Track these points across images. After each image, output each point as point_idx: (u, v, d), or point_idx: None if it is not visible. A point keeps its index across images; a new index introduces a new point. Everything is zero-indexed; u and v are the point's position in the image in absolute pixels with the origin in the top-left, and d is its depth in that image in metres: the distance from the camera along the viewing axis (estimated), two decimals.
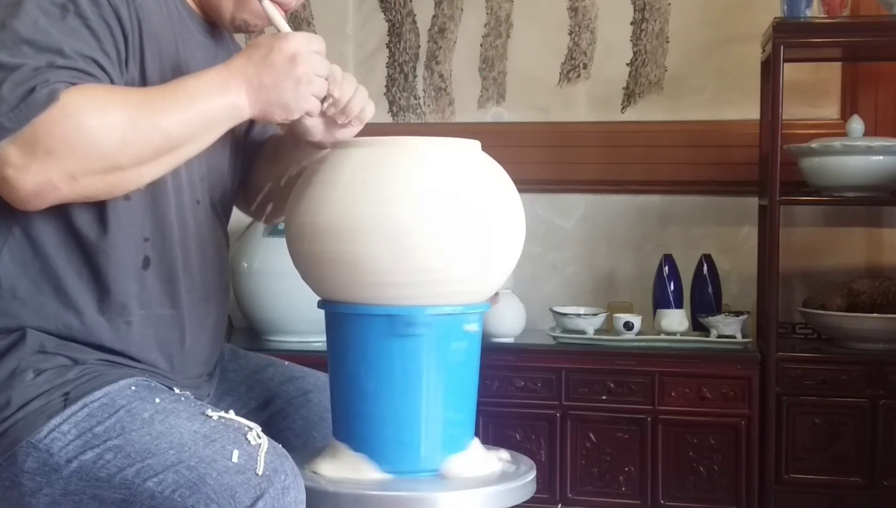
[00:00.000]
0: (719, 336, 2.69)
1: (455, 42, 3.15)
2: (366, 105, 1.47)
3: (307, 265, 1.41)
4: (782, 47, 2.52)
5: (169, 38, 1.41)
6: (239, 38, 1.70)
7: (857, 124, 2.66)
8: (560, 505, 2.64)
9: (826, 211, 2.94)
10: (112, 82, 1.29)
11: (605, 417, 2.63)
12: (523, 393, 2.67)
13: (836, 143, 2.61)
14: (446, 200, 1.33)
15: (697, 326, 2.77)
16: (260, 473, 1.22)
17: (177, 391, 1.37)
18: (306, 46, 1.35)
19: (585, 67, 3.07)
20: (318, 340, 2.71)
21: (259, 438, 1.26)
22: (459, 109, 3.16)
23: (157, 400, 1.29)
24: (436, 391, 1.38)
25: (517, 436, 2.67)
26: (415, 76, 3.18)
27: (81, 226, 1.34)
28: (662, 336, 2.72)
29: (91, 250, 1.34)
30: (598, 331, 2.76)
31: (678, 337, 2.71)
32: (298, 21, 3.19)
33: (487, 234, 1.36)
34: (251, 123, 1.65)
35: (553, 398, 2.66)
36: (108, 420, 1.26)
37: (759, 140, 2.82)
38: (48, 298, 1.34)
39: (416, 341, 1.37)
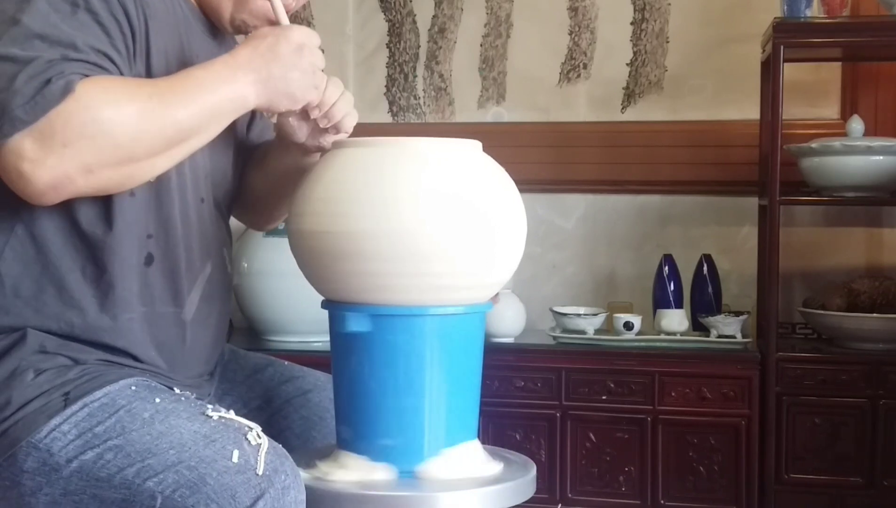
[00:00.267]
0: (719, 336, 2.69)
1: (455, 42, 3.15)
2: (349, 112, 1.47)
3: (310, 265, 1.41)
4: (782, 47, 2.52)
5: (174, 35, 1.41)
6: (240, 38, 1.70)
7: (857, 124, 2.66)
8: (560, 505, 2.64)
9: (826, 211, 2.94)
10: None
11: (605, 417, 2.63)
12: (523, 393, 2.67)
13: (836, 143, 2.61)
14: (448, 200, 1.33)
15: (697, 326, 2.77)
16: (260, 473, 1.22)
17: (177, 390, 1.37)
18: (310, 39, 1.37)
19: (585, 66, 3.07)
20: (318, 340, 2.71)
21: (259, 438, 1.26)
22: (459, 109, 3.16)
23: (158, 400, 1.29)
24: (438, 391, 1.38)
25: (517, 436, 2.67)
26: (415, 76, 3.18)
27: (85, 223, 1.34)
28: (662, 336, 2.72)
29: (95, 247, 1.34)
30: (598, 331, 2.76)
31: (678, 337, 2.71)
32: (298, 21, 3.18)
33: (489, 234, 1.36)
34: (251, 124, 1.65)
35: (553, 398, 2.66)
36: (109, 420, 1.26)
37: (759, 140, 2.83)
38: (50, 296, 1.34)
39: (418, 340, 1.37)
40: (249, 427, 1.28)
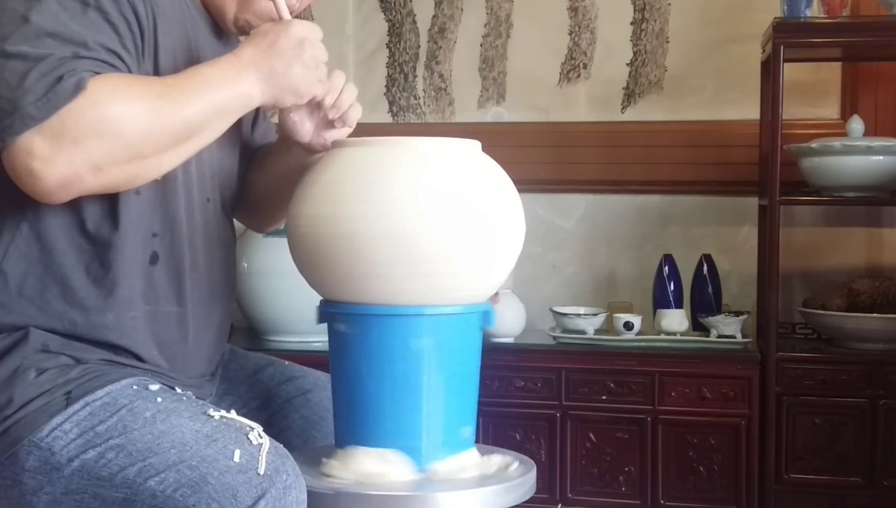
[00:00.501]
0: (719, 336, 2.69)
1: (455, 42, 3.15)
2: (354, 103, 1.49)
3: (308, 265, 1.41)
4: (782, 47, 2.52)
5: (181, 34, 1.41)
6: None
7: (857, 124, 2.66)
8: (560, 505, 2.65)
9: (826, 211, 2.95)
10: None
11: (605, 417, 2.63)
12: (523, 393, 2.67)
13: (836, 143, 2.61)
14: (447, 200, 1.33)
15: (697, 326, 2.77)
16: (261, 473, 1.22)
17: (178, 390, 1.37)
18: (311, 33, 1.38)
19: (585, 66, 3.07)
20: (318, 340, 2.71)
21: (261, 438, 1.26)
22: (459, 109, 3.16)
23: (159, 399, 1.29)
24: (437, 391, 1.38)
25: (517, 436, 2.67)
26: (415, 76, 3.18)
27: (91, 221, 1.34)
28: (662, 336, 2.72)
29: (100, 245, 1.34)
30: (598, 331, 2.76)
31: (678, 337, 2.71)
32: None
33: (489, 234, 1.36)
34: (255, 124, 1.66)
35: (553, 398, 2.66)
36: (110, 419, 1.26)
37: (759, 140, 2.83)
38: (53, 294, 1.34)
39: (417, 340, 1.37)
40: (251, 427, 1.28)
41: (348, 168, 1.37)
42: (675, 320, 2.71)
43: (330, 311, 1.42)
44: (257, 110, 1.59)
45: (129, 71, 1.29)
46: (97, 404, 1.27)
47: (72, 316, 1.34)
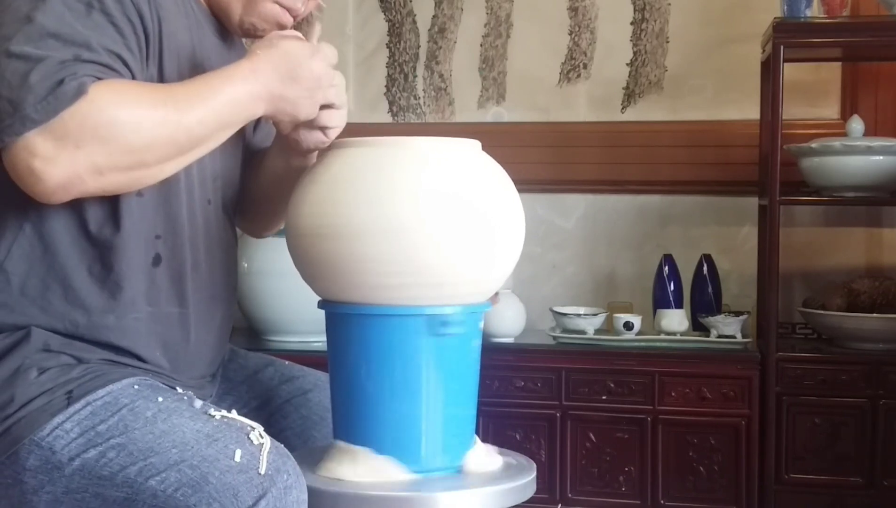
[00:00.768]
0: (719, 336, 2.69)
1: (455, 42, 3.15)
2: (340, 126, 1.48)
3: (307, 265, 1.41)
4: (782, 47, 2.52)
5: (186, 37, 1.41)
6: None
7: (857, 124, 2.66)
8: (560, 505, 2.65)
9: (826, 211, 2.95)
10: (134, 78, 1.30)
11: (605, 417, 2.63)
12: (523, 393, 2.67)
13: (836, 143, 2.61)
14: (447, 200, 1.33)
15: (697, 326, 2.77)
16: (262, 472, 1.22)
17: (179, 390, 1.37)
18: (328, 71, 1.39)
19: (585, 66, 3.07)
20: (318, 340, 2.71)
21: (261, 438, 1.26)
22: (459, 109, 3.16)
23: (160, 399, 1.30)
24: (436, 391, 1.38)
25: (517, 436, 2.67)
26: (415, 76, 3.18)
27: (93, 222, 1.34)
28: (662, 336, 2.72)
29: (102, 247, 1.34)
30: (598, 331, 2.76)
31: (678, 337, 2.71)
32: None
33: (488, 234, 1.36)
34: (256, 128, 1.66)
35: (553, 398, 2.66)
36: (111, 419, 1.26)
37: (759, 140, 2.83)
38: (56, 295, 1.34)
39: (417, 341, 1.37)
40: (252, 427, 1.28)
41: (348, 168, 1.37)
42: (675, 320, 2.71)
43: (329, 311, 1.42)
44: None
45: (132, 74, 1.29)
46: (98, 403, 1.28)
47: (74, 317, 1.34)
